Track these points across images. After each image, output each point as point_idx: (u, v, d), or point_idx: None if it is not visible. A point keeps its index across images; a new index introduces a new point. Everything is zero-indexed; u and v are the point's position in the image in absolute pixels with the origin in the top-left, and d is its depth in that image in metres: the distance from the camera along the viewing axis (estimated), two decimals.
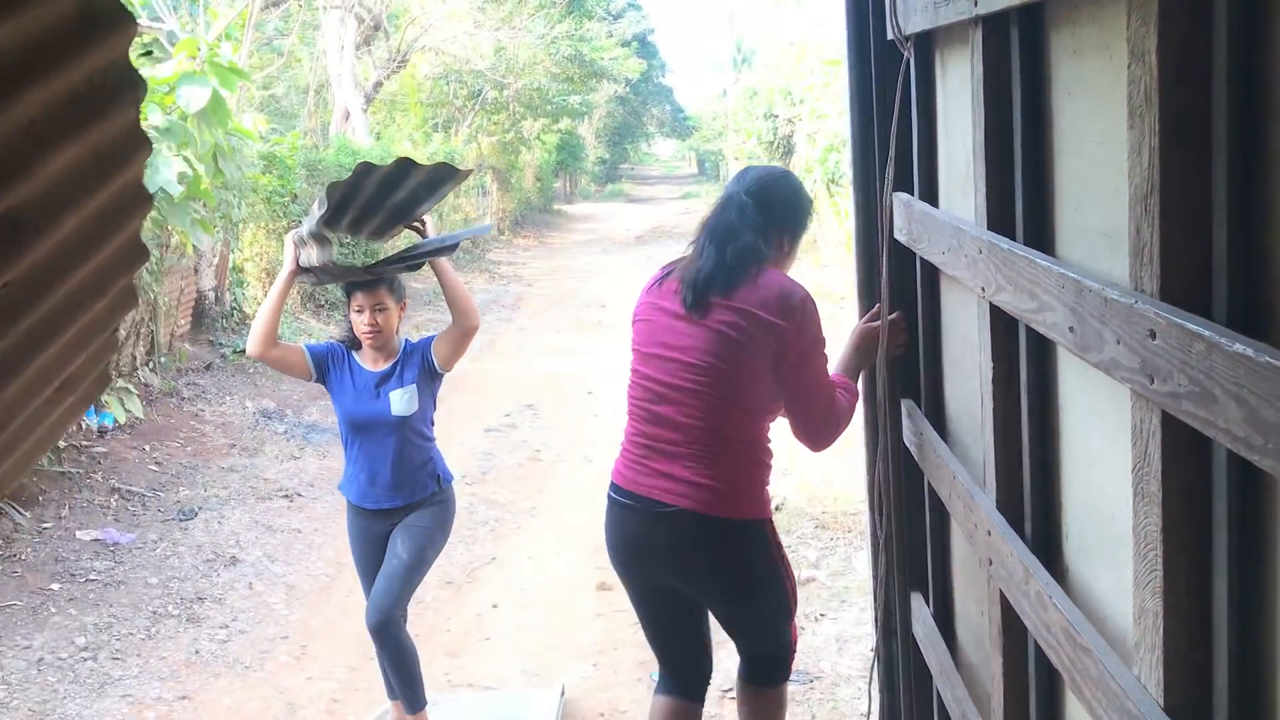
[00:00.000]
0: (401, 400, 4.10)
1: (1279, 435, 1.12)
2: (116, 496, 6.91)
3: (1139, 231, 1.44)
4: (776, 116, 20.63)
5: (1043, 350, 1.97)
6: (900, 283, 2.89)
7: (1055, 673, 1.91)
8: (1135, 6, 1.41)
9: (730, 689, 4.55)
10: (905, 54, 2.64)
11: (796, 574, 5.65)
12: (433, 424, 4.28)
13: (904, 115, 2.71)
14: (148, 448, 7.84)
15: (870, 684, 3.20)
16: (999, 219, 2.04)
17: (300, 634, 5.46)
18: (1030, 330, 1.95)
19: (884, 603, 3.06)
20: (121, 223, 1.05)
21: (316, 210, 3.82)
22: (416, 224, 4.04)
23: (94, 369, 1.17)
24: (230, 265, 11.21)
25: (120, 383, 8.01)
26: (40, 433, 1.15)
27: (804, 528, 6.20)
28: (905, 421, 2.96)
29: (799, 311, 2.82)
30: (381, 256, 4.29)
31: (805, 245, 16.35)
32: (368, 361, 4.17)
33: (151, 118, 7.53)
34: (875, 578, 3.09)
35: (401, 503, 4.15)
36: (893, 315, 2.93)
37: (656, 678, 3.33)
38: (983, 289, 2.07)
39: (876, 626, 3.11)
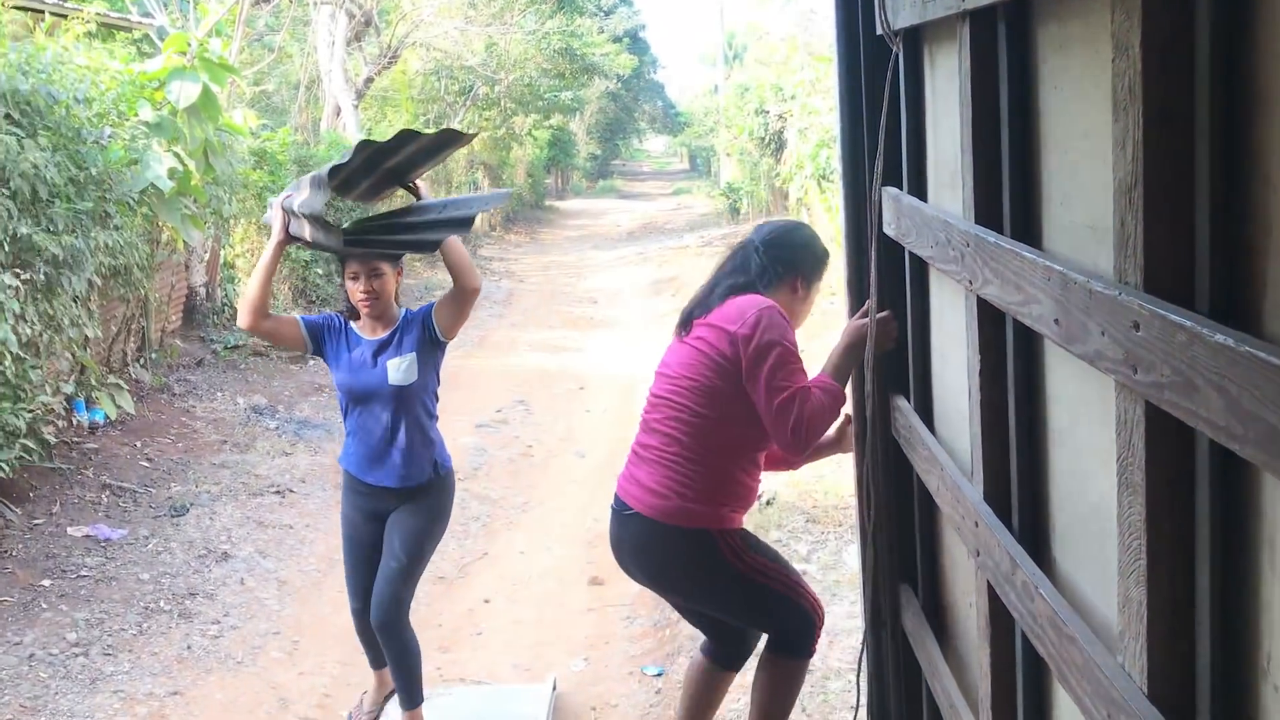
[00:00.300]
0: (399, 369, 3.94)
1: (1259, 424, 1.14)
2: (108, 492, 6.90)
3: (1123, 224, 1.45)
4: (768, 112, 20.62)
5: (1029, 343, 1.98)
6: (889, 277, 2.90)
7: (1042, 662, 1.92)
8: (1119, 1, 1.42)
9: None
10: (894, 49, 2.65)
11: None
12: (436, 398, 4.12)
13: (893, 110, 2.72)
14: (139, 444, 7.83)
15: (859, 676, 3.21)
16: (986, 213, 2.05)
17: (292, 629, 5.47)
18: (1017, 323, 1.96)
19: (872, 595, 3.08)
20: None
21: (310, 189, 3.70)
22: (410, 185, 3.89)
23: None
24: (221, 261, 11.19)
25: (111, 379, 8.00)
26: None
27: (795, 522, 6.21)
28: (894, 414, 2.98)
29: (754, 318, 2.99)
30: (376, 221, 4.00)
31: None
32: (365, 330, 4.02)
33: (141, 113, 7.52)
34: (864, 570, 3.10)
35: (397, 484, 4.01)
36: (883, 313, 2.94)
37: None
38: (970, 282, 2.08)
39: (865, 618, 3.12)
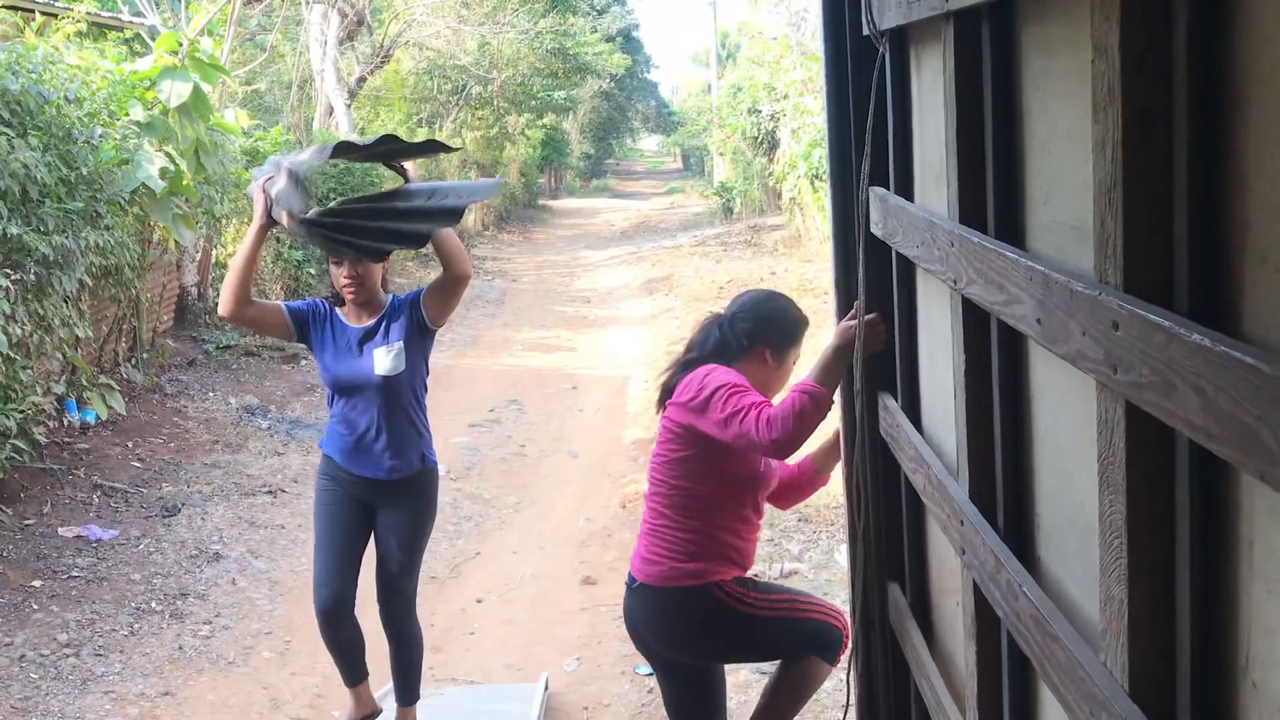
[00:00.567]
0: (387, 359, 3.82)
1: (1235, 424, 1.14)
2: (99, 493, 6.89)
3: (1103, 224, 1.46)
4: (760, 112, 20.65)
5: (1013, 342, 1.99)
6: (877, 277, 2.90)
7: (1027, 660, 1.93)
8: (1098, 2, 1.43)
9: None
10: (880, 49, 2.66)
11: (779, 567, 5.70)
12: (425, 388, 4.01)
13: (879, 110, 2.73)
14: (130, 444, 7.82)
15: (849, 674, 3.22)
16: (971, 212, 2.06)
17: (284, 629, 5.46)
18: (1001, 323, 1.96)
19: (861, 593, 3.08)
20: None
21: (288, 182, 3.59)
22: (396, 166, 3.77)
23: None
24: (213, 261, 11.18)
25: (103, 379, 7.99)
26: None
27: (787, 521, 6.23)
28: (881, 413, 2.98)
29: (697, 381, 3.07)
30: (361, 204, 3.83)
31: (790, 241, 16.23)
32: (351, 318, 3.90)
33: (133, 113, 7.52)
34: (853, 569, 3.11)
35: (384, 475, 3.89)
36: (870, 315, 2.94)
37: (642, 670, 3.39)
38: (955, 282, 2.09)
39: (854, 617, 3.13)
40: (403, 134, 21.05)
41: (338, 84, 18.33)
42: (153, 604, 5.61)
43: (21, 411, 6.29)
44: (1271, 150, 1.19)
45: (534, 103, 27.78)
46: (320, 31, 18.24)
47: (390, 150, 3.75)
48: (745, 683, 4.57)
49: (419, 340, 3.90)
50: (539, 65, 26.33)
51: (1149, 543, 1.44)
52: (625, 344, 12.73)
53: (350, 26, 19.22)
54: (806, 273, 14.18)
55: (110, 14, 11.07)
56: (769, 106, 19.81)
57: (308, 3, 17.88)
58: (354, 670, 4.09)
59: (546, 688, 4.76)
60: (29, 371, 6.48)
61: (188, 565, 6.10)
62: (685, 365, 3.22)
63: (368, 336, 3.86)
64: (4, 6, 8.97)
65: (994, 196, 1.99)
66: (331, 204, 3.79)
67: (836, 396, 3.06)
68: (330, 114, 18.35)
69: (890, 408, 2.89)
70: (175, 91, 7.41)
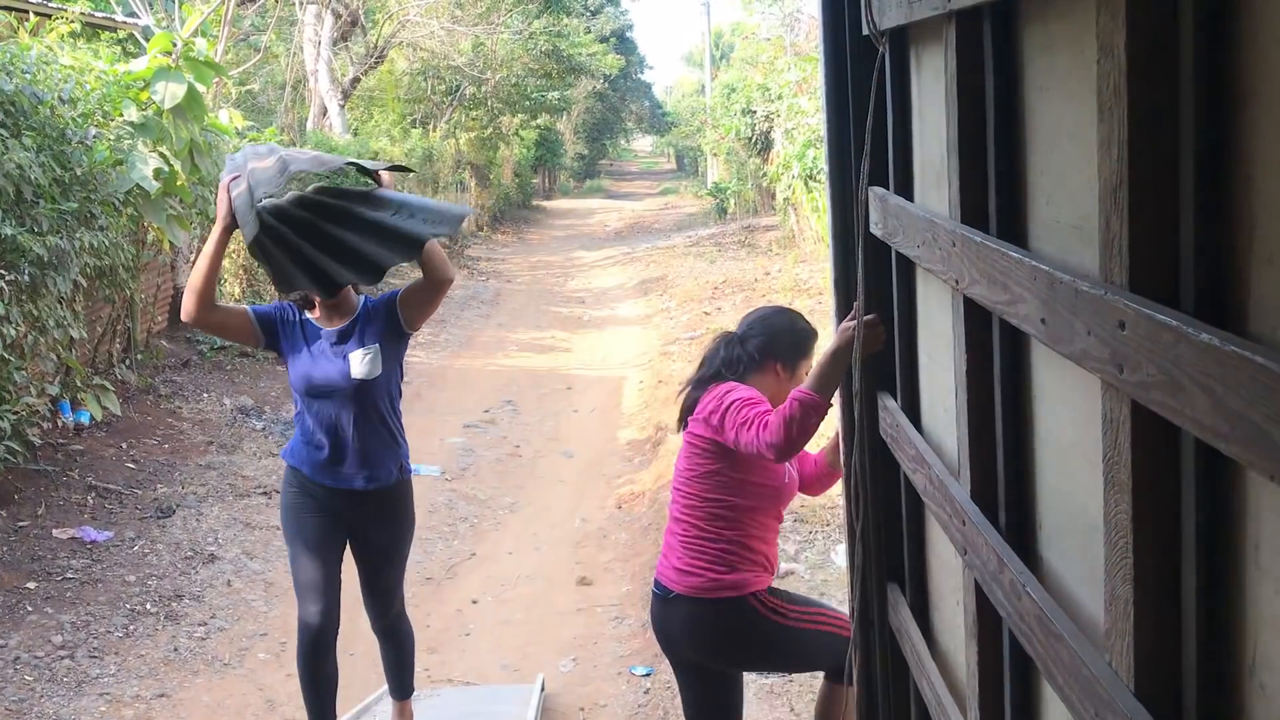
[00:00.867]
0: (363, 362, 3.68)
1: (1245, 423, 1.14)
2: (93, 494, 6.87)
3: (1109, 224, 1.46)
4: (754, 113, 20.66)
5: (1016, 342, 1.98)
6: (876, 277, 2.90)
7: (1029, 661, 1.93)
8: (1104, 2, 1.42)
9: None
10: (880, 49, 2.65)
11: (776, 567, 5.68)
12: (400, 394, 3.87)
13: (879, 110, 2.72)
14: (125, 445, 7.80)
15: (848, 675, 3.22)
16: (972, 212, 2.06)
17: (279, 631, 5.45)
18: (1004, 322, 1.96)
19: (861, 594, 3.08)
20: None
21: (245, 197, 3.41)
22: (371, 172, 3.60)
23: None
24: None
25: (97, 380, 7.96)
26: None
27: (783, 522, 6.22)
28: (881, 413, 2.98)
29: (715, 398, 3.23)
30: (329, 203, 3.54)
31: (784, 241, 16.27)
32: (322, 321, 3.75)
33: (127, 113, 7.49)
34: (852, 569, 3.11)
35: (361, 486, 3.76)
36: (869, 316, 2.94)
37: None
38: (956, 282, 2.08)
39: (853, 617, 3.13)
40: (397, 134, 21.06)
41: (331, 85, 18.31)
42: (148, 606, 5.59)
43: (15, 413, 6.27)
44: (1279, 149, 1.19)
45: (528, 103, 27.78)
46: (314, 32, 18.22)
47: (354, 168, 3.63)
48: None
49: (394, 343, 3.76)
50: (533, 66, 26.33)
51: (1155, 542, 1.43)
52: (620, 344, 12.73)
53: (344, 27, 19.20)
54: (801, 273, 14.18)
55: (104, 14, 11.05)
56: (763, 107, 19.82)
57: (302, 3, 17.86)
58: (325, 713, 3.96)
59: (542, 688, 4.75)
60: (23, 372, 6.46)
61: (183, 567, 6.09)
62: (700, 382, 3.35)
63: (342, 339, 3.72)
64: None
65: (996, 196, 1.99)
66: (294, 191, 3.52)
67: (836, 397, 3.10)
68: (324, 115, 18.33)
69: (890, 408, 2.89)
70: (169, 92, 7.39)
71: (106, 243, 7.15)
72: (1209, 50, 1.30)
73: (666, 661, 4.97)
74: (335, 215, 3.49)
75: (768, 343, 3.38)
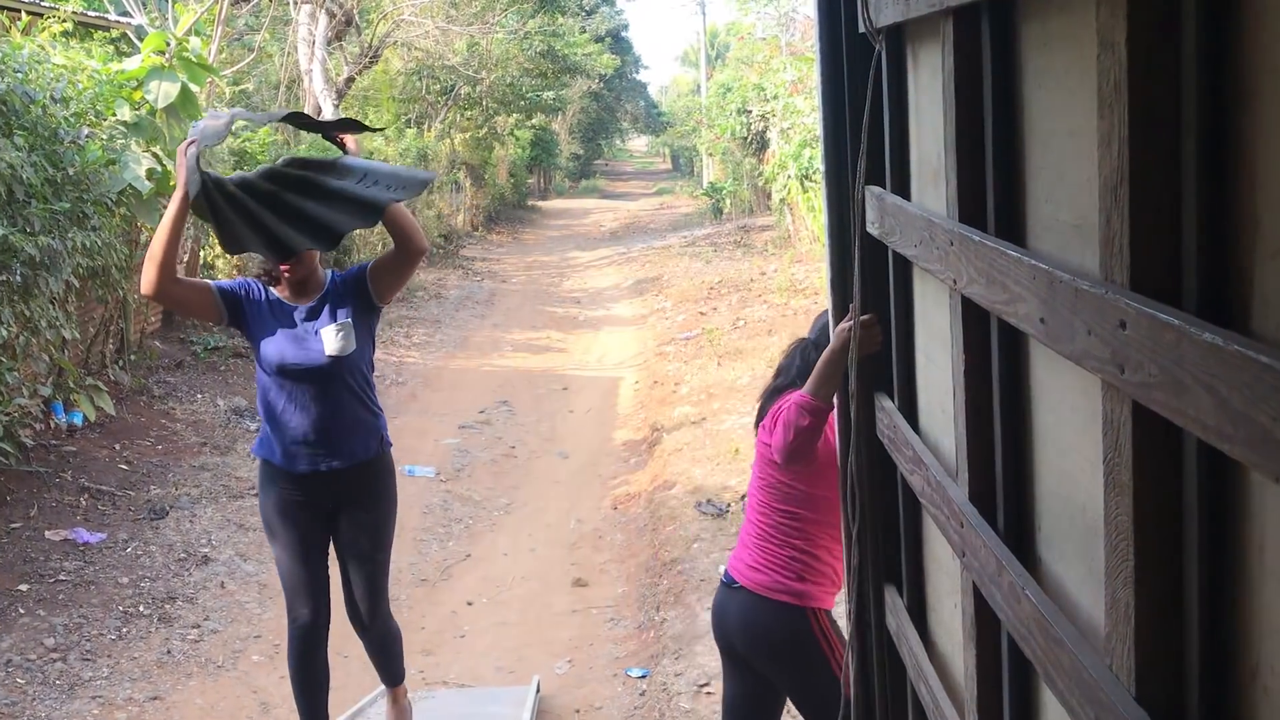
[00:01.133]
0: (336, 338, 3.58)
1: (1249, 424, 1.12)
2: (86, 496, 6.84)
3: (1109, 222, 1.44)
4: (750, 112, 20.65)
5: (1014, 342, 1.97)
6: (873, 276, 2.88)
7: (1028, 665, 1.91)
8: None
9: (706, 684, 4.55)
10: (877, 47, 2.64)
11: None
12: (373, 368, 3.77)
13: (876, 108, 2.70)
14: (118, 446, 7.77)
15: (844, 678, 3.20)
16: (970, 211, 2.04)
17: (273, 633, 5.42)
18: (1002, 322, 1.94)
19: (857, 596, 3.06)
20: None
21: (190, 159, 3.37)
22: (336, 140, 3.58)
23: None
24: (201, 262, 11.11)
25: (90, 381, 7.93)
26: None
27: None
28: (878, 414, 2.96)
29: (780, 404, 3.25)
30: (293, 173, 3.51)
31: (779, 241, 16.31)
32: (290, 296, 3.64)
33: (120, 113, 7.47)
34: (849, 571, 3.09)
35: (343, 464, 3.66)
36: (865, 317, 2.92)
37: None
38: (954, 281, 2.07)
39: (850, 620, 3.11)
40: (392, 134, 21.02)
41: (326, 84, 18.27)
42: (141, 608, 5.57)
43: (8, 414, 6.24)
44: None
45: (523, 103, 27.75)
46: (308, 31, 18.17)
47: (303, 125, 3.65)
48: None
49: (365, 317, 3.66)
50: (528, 65, 26.31)
51: (1156, 545, 1.42)
52: (616, 345, 12.71)
53: (338, 26, 19.16)
54: (797, 273, 14.17)
55: (97, 13, 11.01)
56: (758, 107, 19.81)
57: (296, 2, 17.82)
58: (317, 714, 3.92)
59: (538, 690, 4.73)
60: (15, 373, 6.43)
61: (176, 568, 6.06)
62: (775, 391, 3.39)
63: (312, 315, 3.62)
64: None
65: (994, 194, 1.97)
66: (264, 166, 3.52)
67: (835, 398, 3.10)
68: (318, 114, 18.29)
69: (887, 408, 2.87)
70: (163, 92, 7.36)
71: (99, 243, 7.13)
72: (1211, 45, 1.29)
73: (661, 664, 4.95)
74: (298, 185, 3.45)
75: None
